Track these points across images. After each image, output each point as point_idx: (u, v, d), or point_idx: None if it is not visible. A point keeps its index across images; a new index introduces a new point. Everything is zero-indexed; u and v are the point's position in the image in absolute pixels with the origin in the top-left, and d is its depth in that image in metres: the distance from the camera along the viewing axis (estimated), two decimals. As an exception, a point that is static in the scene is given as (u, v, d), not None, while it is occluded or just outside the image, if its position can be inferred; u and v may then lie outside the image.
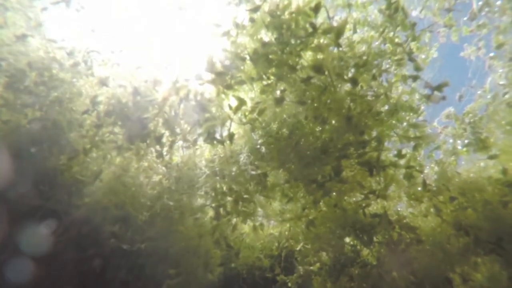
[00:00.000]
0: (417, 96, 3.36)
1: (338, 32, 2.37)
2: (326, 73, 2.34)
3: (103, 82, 3.45)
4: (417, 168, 3.52)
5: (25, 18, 3.31)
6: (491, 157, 3.38)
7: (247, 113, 2.59)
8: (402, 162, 3.04)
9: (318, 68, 2.31)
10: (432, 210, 3.69)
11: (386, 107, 3.16)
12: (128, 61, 3.15)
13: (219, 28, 2.74)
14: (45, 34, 3.55)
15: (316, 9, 2.39)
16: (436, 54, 3.51)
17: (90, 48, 3.56)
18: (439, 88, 2.56)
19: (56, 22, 3.71)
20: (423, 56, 3.43)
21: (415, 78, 2.78)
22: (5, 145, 3.53)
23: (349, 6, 2.72)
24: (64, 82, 3.23)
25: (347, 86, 2.51)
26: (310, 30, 2.37)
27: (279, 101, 2.44)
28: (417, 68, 2.73)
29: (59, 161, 3.19)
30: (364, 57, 2.92)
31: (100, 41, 3.85)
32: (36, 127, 3.46)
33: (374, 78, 2.59)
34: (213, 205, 2.89)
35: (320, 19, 2.84)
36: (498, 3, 3.13)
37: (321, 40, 2.56)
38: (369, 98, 2.89)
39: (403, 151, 3.49)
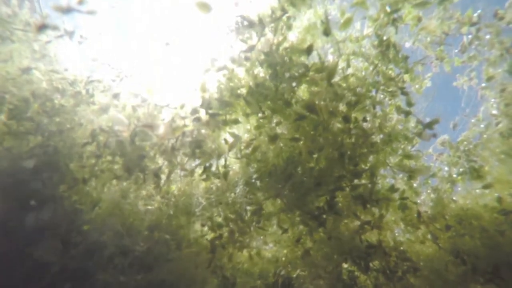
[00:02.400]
0: (412, 124, 3.43)
1: (330, 73, 2.46)
2: (320, 110, 2.41)
3: (103, 111, 3.55)
4: (413, 195, 3.56)
5: (31, 49, 3.44)
6: (486, 187, 3.42)
7: (242, 148, 2.65)
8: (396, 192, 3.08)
9: (311, 107, 2.38)
10: (429, 236, 3.71)
11: (381, 136, 3.23)
12: (128, 91, 3.25)
13: (215, 63, 2.83)
14: (50, 63, 3.67)
15: (309, 50, 2.49)
16: (429, 83, 3.60)
17: (92, 77, 3.68)
18: (430, 125, 2.62)
19: (61, 51, 3.84)
20: (417, 86, 3.52)
21: (407, 114, 2.85)
22: (7, 171, 3.60)
23: (339, 42, 2.81)
24: (66, 112, 3.32)
25: (340, 122, 2.58)
26: (303, 70, 2.46)
27: (273, 138, 2.51)
28: (409, 104, 2.80)
29: (58, 189, 3.24)
30: (358, 89, 3.01)
31: (102, 68, 3.97)
32: (38, 154, 3.53)
33: (365, 117, 2.65)
34: (209, 237, 2.93)
35: (314, 53, 2.95)
36: (487, 37, 3.23)
37: (315, 74, 2.64)
38: (363, 128, 2.96)
39: (398, 179, 3.54)
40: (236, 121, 2.60)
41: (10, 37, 3.24)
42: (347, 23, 2.59)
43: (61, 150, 3.32)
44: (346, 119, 2.52)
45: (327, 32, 2.53)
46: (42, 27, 2.36)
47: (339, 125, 2.58)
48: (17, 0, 3.74)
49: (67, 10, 2.08)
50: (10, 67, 3.17)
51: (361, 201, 2.70)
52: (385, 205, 2.93)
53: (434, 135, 2.71)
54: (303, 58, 2.60)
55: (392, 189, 2.88)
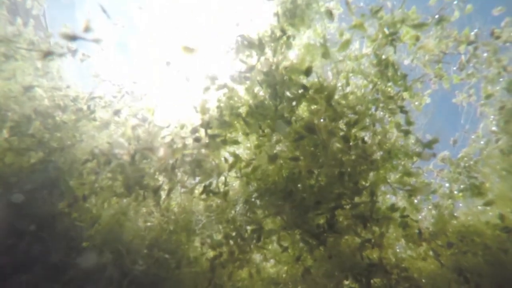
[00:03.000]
0: (412, 140, 3.44)
1: (330, 94, 2.48)
2: (319, 130, 2.43)
3: (104, 126, 3.59)
4: (414, 212, 3.54)
5: (34, 67, 3.49)
6: (487, 204, 3.40)
7: (242, 167, 2.66)
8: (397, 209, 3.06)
9: (310, 127, 2.40)
10: (431, 253, 3.67)
11: (381, 153, 3.23)
12: (128, 109, 3.28)
13: (215, 81, 2.87)
14: (53, 80, 3.73)
15: (307, 72, 2.52)
16: (429, 100, 3.62)
17: (93, 94, 3.73)
18: (429, 145, 2.63)
19: (64, 68, 3.90)
20: (416, 103, 3.54)
21: (406, 133, 2.86)
22: (7, 187, 3.60)
23: (338, 62, 2.84)
24: (67, 128, 3.34)
25: (339, 141, 2.58)
26: (302, 90, 2.48)
27: (272, 158, 2.52)
28: (409, 123, 2.82)
29: (58, 205, 3.24)
30: (358, 107, 3.03)
31: (103, 84, 4.03)
32: (39, 170, 3.55)
33: (364, 138, 2.67)
34: (209, 255, 2.91)
35: (314, 70, 2.99)
36: (485, 55, 3.26)
37: (315, 95, 2.66)
38: (363, 146, 2.96)
39: (399, 196, 3.53)
40: (235, 142, 2.62)
41: (14, 55, 3.30)
42: (346, 45, 2.63)
43: (61, 166, 3.33)
44: (346, 139, 2.53)
45: (326, 56, 2.57)
46: (48, 54, 2.41)
47: (338, 145, 2.59)
48: (22, 18, 3.82)
49: (73, 38, 2.13)
50: (13, 85, 3.21)
51: (362, 220, 2.69)
52: (385, 223, 2.91)
53: (434, 155, 2.71)
54: (302, 77, 2.62)
55: (393, 208, 2.87)
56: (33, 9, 4.02)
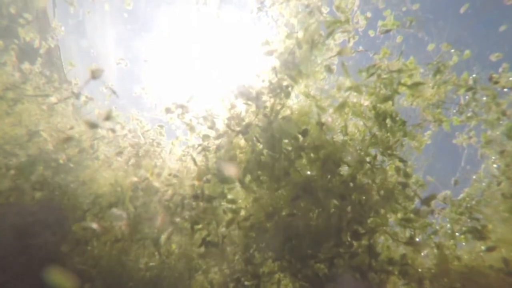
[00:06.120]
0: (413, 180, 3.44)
1: (326, 157, 2.51)
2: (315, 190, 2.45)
3: (108, 165, 3.65)
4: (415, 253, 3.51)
5: (40, 109, 3.58)
6: (489, 249, 3.35)
7: (240, 222, 2.69)
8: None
9: (307, 188, 2.43)
10: (434, 292, 3.62)
11: (381, 193, 3.22)
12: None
13: (213, 130, 2.92)
14: (57, 121, 3.82)
15: (304, 134, 2.55)
16: (429, 141, 3.63)
17: (97, 134, 3.80)
18: (427, 201, 2.63)
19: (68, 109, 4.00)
20: (416, 144, 3.55)
21: (405, 186, 2.86)
22: (11, 225, 3.66)
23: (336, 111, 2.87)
24: (70, 171, 3.41)
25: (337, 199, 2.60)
26: (298, 151, 2.52)
27: (270, 216, 2.54)
28: (406, 175, 2.82)
29: (60, 248, 3.28)
30: (357, 153, 3.04)
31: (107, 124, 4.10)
32: (42, 210, 3.61)
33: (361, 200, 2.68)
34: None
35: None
36: (484, 98, 3.27)
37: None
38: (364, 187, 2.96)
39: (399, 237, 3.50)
40: (233, 201, 2.65)
41: (21, 100, 3.40)
42: (341, 107, 2.66)
43: (64, 208, 3.39)
44: (343, 197, 2.54)
45: (321, 125, 2.61)
46: (67, 140, 2.53)
47: (336, 202, 2.60)
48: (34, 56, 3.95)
49: (94, 126, 2.24)
50: (19, 129, 3.30)
51: (359, 272, 2.67)
52: (385, 274, 2.89)
53: (432, 212, 2.70)
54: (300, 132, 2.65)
55: (391, 261, 2.85)
56: (41, 49, 4.15)
